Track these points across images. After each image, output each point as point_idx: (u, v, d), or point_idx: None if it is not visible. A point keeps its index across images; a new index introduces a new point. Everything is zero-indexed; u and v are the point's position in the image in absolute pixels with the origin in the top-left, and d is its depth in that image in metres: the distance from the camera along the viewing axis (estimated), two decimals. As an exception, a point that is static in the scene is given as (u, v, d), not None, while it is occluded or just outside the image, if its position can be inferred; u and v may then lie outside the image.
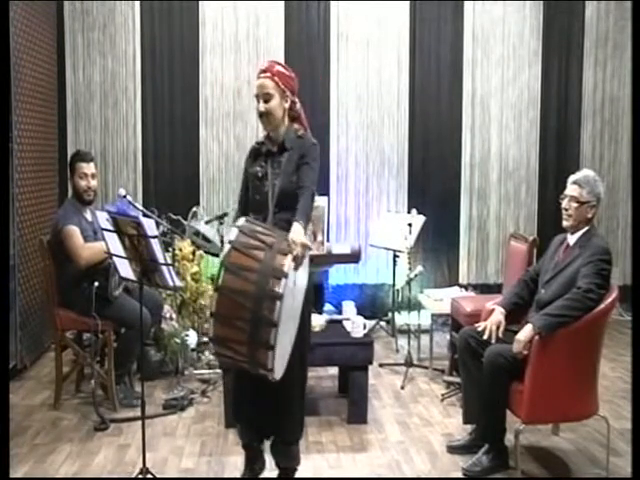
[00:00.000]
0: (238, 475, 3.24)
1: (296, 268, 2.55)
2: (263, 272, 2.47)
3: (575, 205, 3.29)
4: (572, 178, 3.36)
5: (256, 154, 3.02)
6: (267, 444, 3.14)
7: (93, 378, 3.96)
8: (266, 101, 2.88)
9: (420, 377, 4.68)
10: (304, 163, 2.90)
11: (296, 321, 2.77)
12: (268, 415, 2.94)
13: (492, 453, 3.30)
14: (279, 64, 2.97)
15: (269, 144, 2.98)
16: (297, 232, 2.61)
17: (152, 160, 6.01)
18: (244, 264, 2.48)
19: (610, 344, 5.10)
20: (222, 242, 5.05)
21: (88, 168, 4.11)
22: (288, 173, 2.90)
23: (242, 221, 2.65)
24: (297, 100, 2.99)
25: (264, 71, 2.90)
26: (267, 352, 2.45)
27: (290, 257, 2.52)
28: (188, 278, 4.78)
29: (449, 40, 6.23)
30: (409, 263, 4.82)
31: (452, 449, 3.53)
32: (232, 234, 2.55)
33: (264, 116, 2.90)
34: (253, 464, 3.13)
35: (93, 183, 4.12)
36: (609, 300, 3.12)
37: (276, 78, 2.87)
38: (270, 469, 3.19)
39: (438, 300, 4.95)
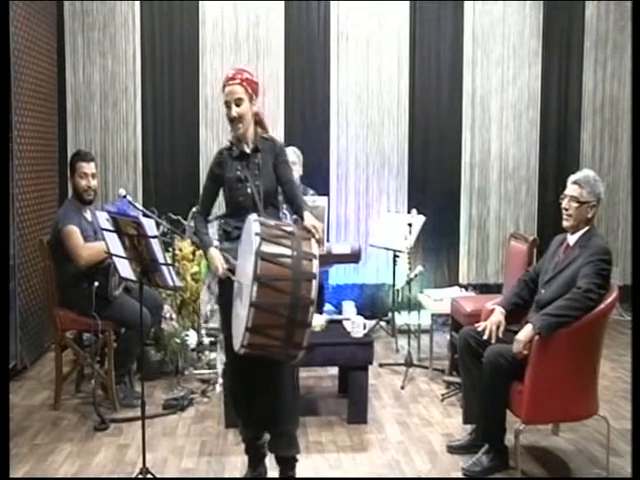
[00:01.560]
0: (238, 475, 3.25)
1: (320, 248, 2.77)
2: (296, 256, 2.65)
3: (575, 205, 3.29)
4: (572, 178, 3.36)
5: (229, 158, 3.10)
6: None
7: (93, 378, 3.96)
8: (237, 105, 3.00)
9: (420, 377, 4.68)
10: (281, 162, 3.09)
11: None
12: (263, 408, 2.99)
13: (492, 453, 3.30)
14: (245, 71, 3.07)
15: (240, 147, 3.08)
16: (312, 219, 2.83)
17: (152, 160, 6.01)
18: (277, 252, 2.65)
19: (610, 344, 5.10)
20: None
21: (88, 168, 4.11)
22: (268, 173, 3.07)
23: (255, 216, 2.79)
24: (257, 104, 3.11)
25: (232, 78, 3.01)
26: (304, 330, 2.64)
27: (314, 240, 2.74)
28: (188, 278, 4.78)
29: (449, 40, 6.23)
30: (409, 263, 4.82)
31: (452, 449, 3.53)
32: (255, 227, 2.67)
33: (236, 120, 3.02)
34: (256, 467, 3.15)
35: (93, 183, 4.13)
36: (609, 300, 3.12)
37: (244, 84, 3.01)
38: (271, 468, 3.20)
39: (438, 300, 4.94)
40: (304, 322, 2.63)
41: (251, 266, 2.58)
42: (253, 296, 2.57)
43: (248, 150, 3.06)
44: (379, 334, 5.70)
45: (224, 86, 3.02)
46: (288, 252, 2.65)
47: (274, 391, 2.98)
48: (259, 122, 3.12)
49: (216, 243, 3.11)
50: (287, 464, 3.08)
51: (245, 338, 2.61)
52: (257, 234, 2.64)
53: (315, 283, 2.63)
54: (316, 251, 2.70)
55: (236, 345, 2.69)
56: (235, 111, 2.99)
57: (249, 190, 3.02)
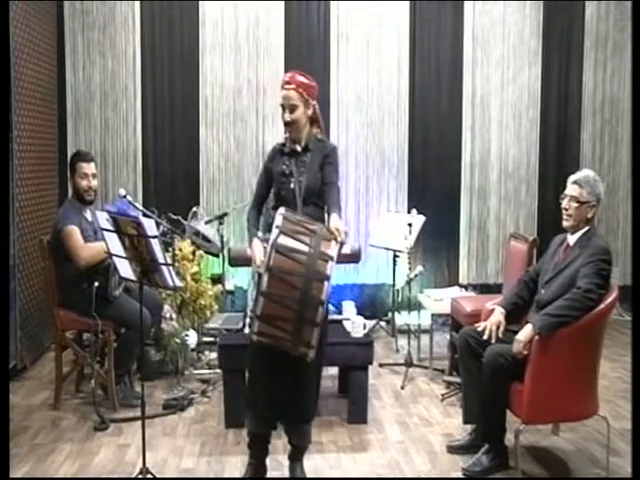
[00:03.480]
0: (238, 475, 3.25)
1: (339, 252, 2.78)
2: (311, 254, 2.68)
3: (575, 205, 3.29)
4: (572, 178, 3.36)
5: (280, 154, 3.22)
6: (272, 442, 3.16)
7: (93, 378, 3.96)
8: (291, 111, 3.11)
9: (420, 377, 4.68)
10: (328, 163, 3.16)
11: None
12: (285, 396, 2.99)
13: (492, 453, 3.30)
14: (301, 74, 3.17)
15: (292, 145, 3.19)
16: (338, 221, 2.88)
17: (152, 160, 6.01)
18: (293, 247, 2.68)
19: (610, 344, 5.10)
20: (222, 242, 5.06)
21: (89, 168, 4.11)
22: (313, 171, 3.14)
23: (283, 210, 2.83)
24: (316, 104, 3.22)
25: (288, 82, 3.12)
26: (313, 329, 2.66)
27: (334, 242, 2.75)
28: (188, 278, 4.78)
29: (449, 40, 6.23)
30: (409, 263, 4.82)
31: (452, 449, 3.53)
32: (277, 220, 2.72)
33: (289, 125, 3.13)
34: (256, 467, 3.15)
35: (94, 183, 4.13)
36: (609, 300, 3.12)
37: (300, 89, 3.11)
38: (271, 468, 3.20)
39: (438, 300, 4.95)
40: (312, 320, 2.66)
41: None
42: (264, 285, 2.62)
43: (299, 149, 3.16)
44: (379, 334, 5.70)
45: (281, 87, 3.11)
46: (305, 249, 2.69)
47: (301, 378, 2.99)
48: (315, 122, 3.20)
49: (260, 234, 3.17)
50: (298, 449, 3.17)
51: (255, 326, 2.68)
52: (277, 227, 2.69)
53: (327, 285, 2.64)
54: (334, 253, 2.71)
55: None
56: (288, 117, 3.11)
57: (292, 185, 3.12)
